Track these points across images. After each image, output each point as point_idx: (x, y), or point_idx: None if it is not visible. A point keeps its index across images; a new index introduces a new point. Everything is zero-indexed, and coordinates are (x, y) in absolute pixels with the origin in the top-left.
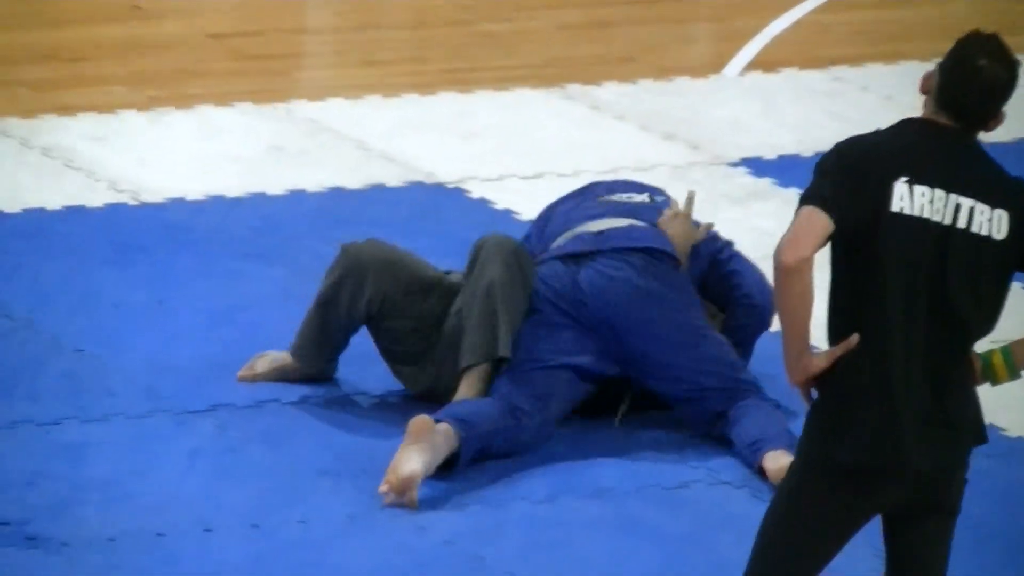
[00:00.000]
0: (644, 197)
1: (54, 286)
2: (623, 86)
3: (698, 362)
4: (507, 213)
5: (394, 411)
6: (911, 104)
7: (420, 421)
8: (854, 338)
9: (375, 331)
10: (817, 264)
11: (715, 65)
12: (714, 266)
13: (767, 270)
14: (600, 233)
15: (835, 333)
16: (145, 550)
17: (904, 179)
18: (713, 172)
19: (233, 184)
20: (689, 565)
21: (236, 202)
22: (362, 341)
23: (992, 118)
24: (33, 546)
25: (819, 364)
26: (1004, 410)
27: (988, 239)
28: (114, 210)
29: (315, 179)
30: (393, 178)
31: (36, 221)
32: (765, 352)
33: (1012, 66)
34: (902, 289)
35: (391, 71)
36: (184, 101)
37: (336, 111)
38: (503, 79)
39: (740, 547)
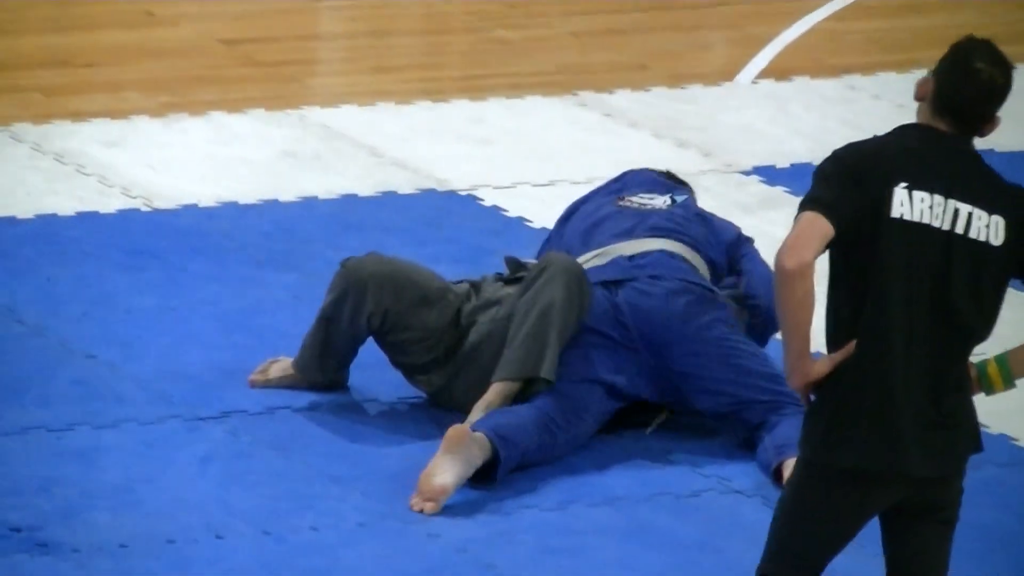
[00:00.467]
0: (665, 200)
1: (66, 291)
2: (636, 93)
3: (739, 375)
4: (519, 220)
5: (405, 418)
6: None
7: (458, 431)
8: (853, 344)
9: (381, 343)
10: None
11: (728, 73)
12: (728, 262)
13: None
14: (632, 258)
15: (835, 338)
16: (156, 556)
17: (903, 184)
18: (726, 180)
19: (245, 190)
20: (700, 573)
21: (248, 208)
22: (373, 348)
23: (988, 122)
24: (44, 552)
25: (820, 370)
26: (1016, 419)
27: (986, 244)
28: (126, 216)
29: (327, 185)
30: (405, 184)
31: (48, 226)
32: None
33: (1007, 70)
34: (904, 294)
35: (404, 78)
36: (197, 107)
37: (348, 117)
38: (516, 86)
39: (751, 555)
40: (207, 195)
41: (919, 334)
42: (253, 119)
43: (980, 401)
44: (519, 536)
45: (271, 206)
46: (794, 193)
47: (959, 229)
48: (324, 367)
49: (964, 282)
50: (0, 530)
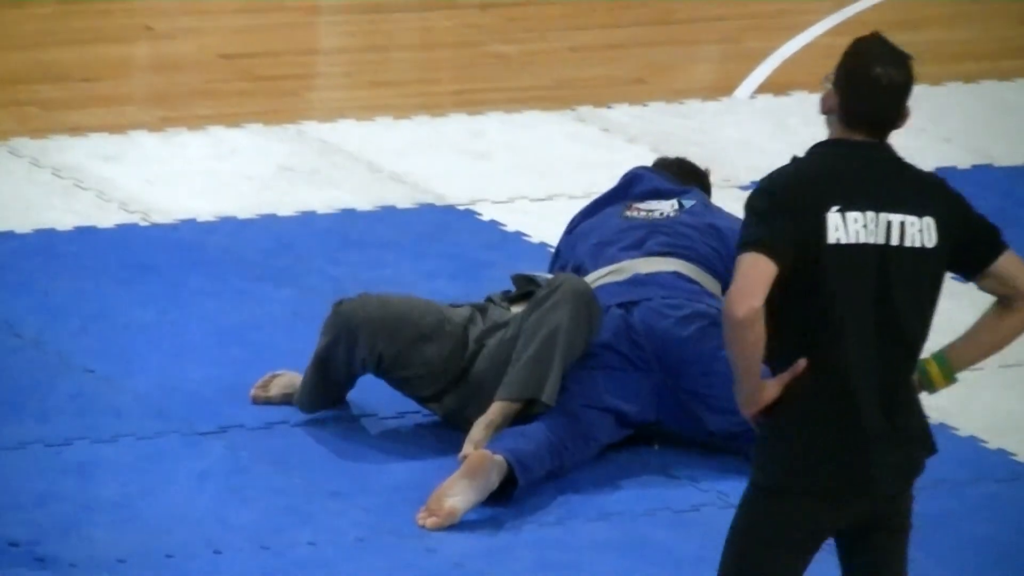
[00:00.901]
0: (672, 205)
1: (64, 305)
2: (634, 108)
3: None
4: (517, 235)
5: (404, 433)
6: (920, 126)
7: (481, 457)
8: (801, 363)
9: (384, 378)
10: None
11: (726, 87)
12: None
13: None
14: (648, 276)
15: (780, 361)
16: (154, 571)
17: (836, 208)
18: (724, 194)
19: (243, 205)
20: None
21: (246, 223)
22: None
23: (901, 119)
24: (42, 567)
25: (771, 394)
26: (1013, 435)
27: (923, 250)
28: (125, 230)
29: (325, 200)
30: (403, 199)
31: (46, 240)
32: None
33: (905, 64)
34: (851, 315)
35: (402, 92)
36: (195, 121)
37: (346, 132)
38: (514, 100)
39: None
40: (205, 210)
41: (870, 350)
42: (251, 134)
43: (977, 417)
44: (517, 551)
45: (269, 221)
46: None
47: (894, 241)
48: (324, 402)
49: (906, 293)
50: None
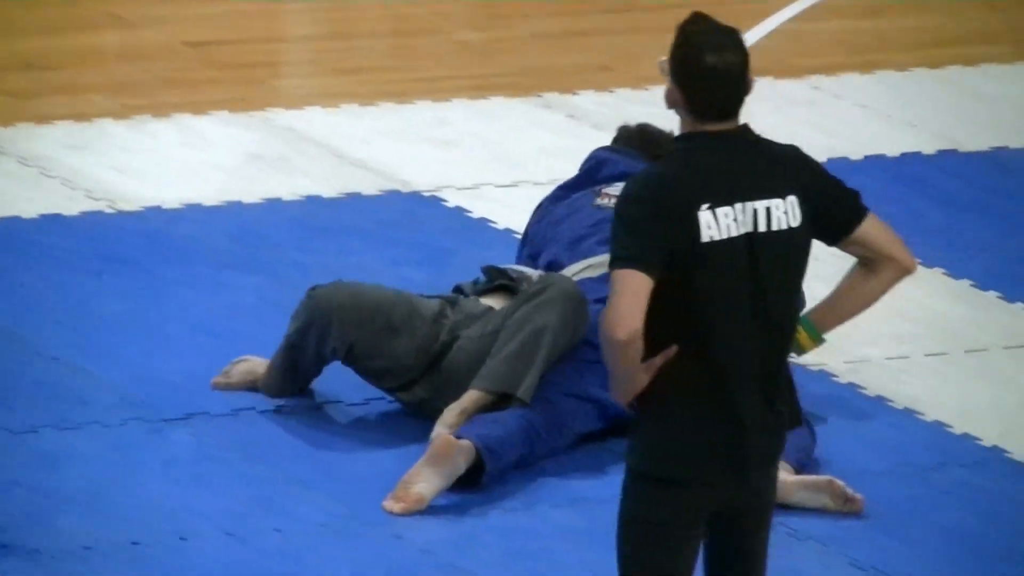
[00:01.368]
0: None
1: (30, 295)
2: (600, 95)
3: None
4: (483, 221)
5: (370, 420)
6: (886, 112)
7: (446, 443)
8: (672, 348)
9: (352, 367)
10: None
11: None
12: None
13: None
14: None
15: (653, 351)
16: (121, 559)
17: (706, 206)
18: None
19: (210, 192)
20: None
21: (213, 210)
22: None
23: (746, 94)
24: (8, 555)
25: (643, 381)
26: (980, 420)
27: (789, 230)
28: (91, 219)
29: (292, 187)
30: (369, 186)
31: (12, 229)
32: None
33: (735, 43)
34: (725, 306)
35: (368, 79)
36: (161, 110)
37: (313, 119)
38: (480, 87)
39: None
40: (172, 198)
41: (747, 339)
42: (218, 121)
43: (943, 403)
44: (484, 538)
45: (236, 208)
46: None
47: (761, 227)
48: (291, 388)
49: (777, 278)
50: None
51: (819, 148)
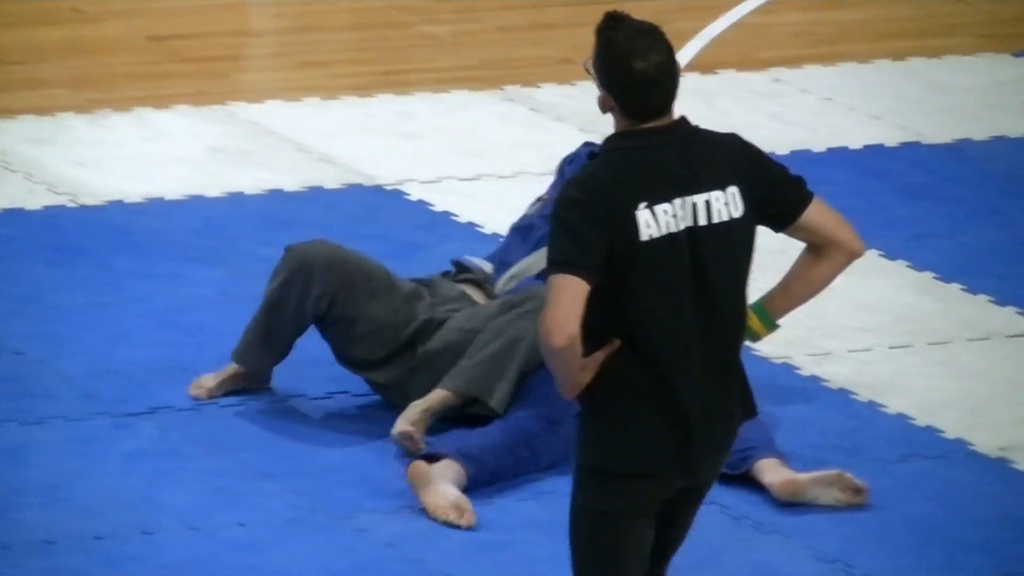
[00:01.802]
0: None
1: None
2: (563, 88)
3: None
4: (446, 215)
5: (333, 414)
6: (849, 104)
7: (416, 470)
8: (616, 342)
9: (328, 334)
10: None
11: None
12: None
13: None
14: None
15: (596, 345)
16: (84, 552)
17: (644, 204)
18: None
19: (173, 186)
20: None
21: (176, 204)
22: (302, 345)
23: (676, 88)
24: None
25: (586, 375)
26: (943, 412)
27: (731, 221)
28: (53, 212)
29: (255, 181)
30: (332, 180)
31: None
32: None
33: (659, 41)
34: (668, 301)
35: (330, 73)
36: (124, 103)
37: (276, 113)
38: (442, 81)
39: (682, 546)
40: (134, 192)
41: (693, 333)
42: (180, 115)
43: (906, 395)
44: (448, 531)
45: (199, 202)
46: None
47: (701, 220)
48: (266, 353)
49: (721, 269)
50: None
51: (782, 141)
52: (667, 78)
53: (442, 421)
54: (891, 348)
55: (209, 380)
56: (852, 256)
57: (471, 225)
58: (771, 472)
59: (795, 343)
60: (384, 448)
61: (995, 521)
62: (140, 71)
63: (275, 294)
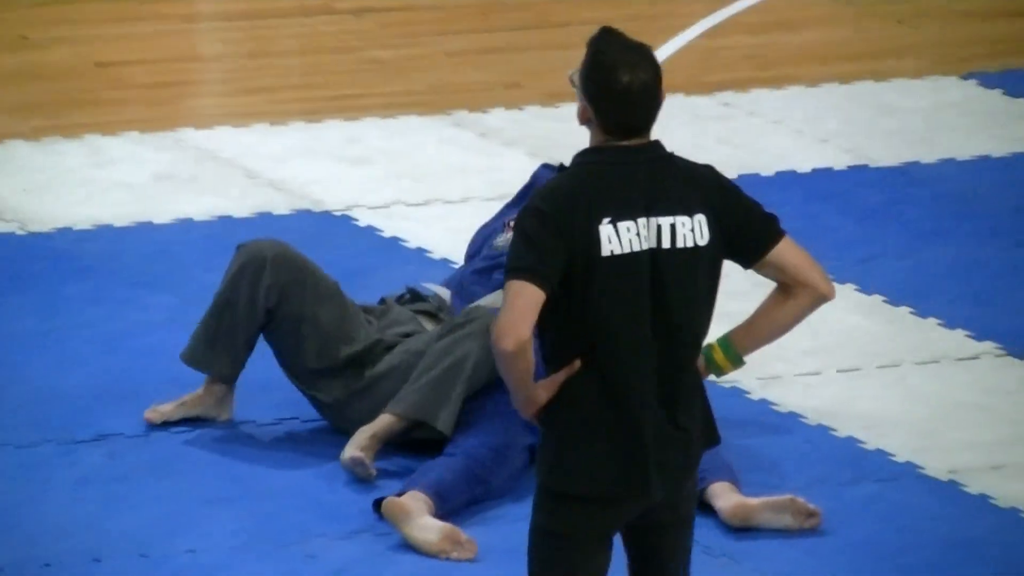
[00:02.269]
0: None
1: None
2: (511, 112)
3: None
4: (395, 240)
5: (282, 440)
6: (796, 128)
7: (392, 506)
8: (576, 363)
9: (273, 334)
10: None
11: None
12: None
13: None
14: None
15: (558, 365)
16: None
17: (607, 220)
18: None
19: (121, 213)
20: None
21: (124, 231)
22: (251, 370)
23: (658, 110)
24: None
25: (545, 395)
26: (892, 435)
27: (695, 248)
28: (1, 239)
29: (203, 207)
30: (281, 205)
31: None
32: None
33: (647, 60)
34: (624, 321)
35: (278, 98)
36: (72, 130)
37: (224, 139)
38: (390, 105)
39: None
40: (83, 218)
41: (646, 354)
42: (128, 142)
43: (856, 418)
44: (397, 556)
45: (147, 228)
46: None
47: (665, 243)
48: (217, 355)
49: (681, 293)
50: None
51: (730, 164)
52: (648, 98)
53: (390, 446)
54: (840, 371)
55: (167, 406)
56: (819, 298)
57: (421, 250)
58: (723, 497)
59: (744, 367)
60: (334, 473)
61: (945, 544)
62: (87, 97)
63: (226, 291)
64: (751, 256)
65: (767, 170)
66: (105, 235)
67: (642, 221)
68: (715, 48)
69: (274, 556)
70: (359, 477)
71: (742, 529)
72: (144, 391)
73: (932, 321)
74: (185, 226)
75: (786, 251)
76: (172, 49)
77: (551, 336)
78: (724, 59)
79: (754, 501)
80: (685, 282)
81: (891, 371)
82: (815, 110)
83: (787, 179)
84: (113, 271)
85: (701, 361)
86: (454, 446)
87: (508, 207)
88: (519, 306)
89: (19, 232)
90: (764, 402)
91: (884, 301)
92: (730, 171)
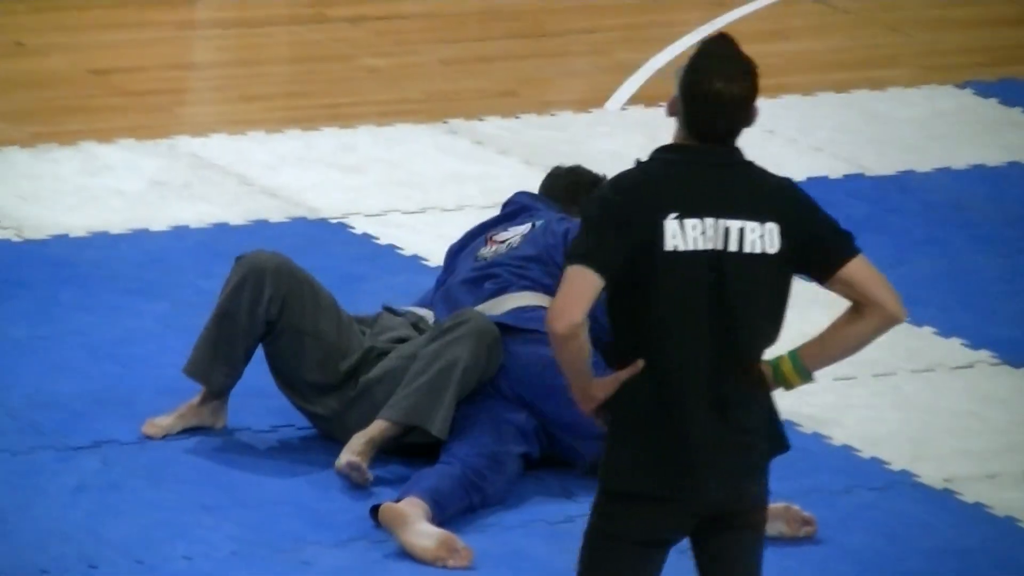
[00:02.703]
0: (526, 228)
1: None
2: (506, 120)
3: None
4: (390, 248)
5: (277, 447)
6: (790, 136)
7: (390, 511)
8: (640, 362)
9: (273, 345)
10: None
11: (597, 99)
12: None
13: None
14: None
15: (619, 361)
16: None
17: (673, 215)
18: None
19: (116, 220)
20: None
21: (119, 238)
22: (245, 378)
23: (745, 125)
24: None
25: (606, 390)
26: (886, 444)
27: (763, 256)
28: None
29: (198, 214)
30: (276, 213)
31: None
32: None
33: (748, 77)
34: (682, 320)
35: (273, 106)
36: (67, 137)
37: (218, 146)
38: (385, 113)
39: None
40: (77, 225)
41: (703, 355)
42: (123, 149)
43: (851, 426)
44: (391, 564)
45: (141, 236)
46: None
47: (732, 247)
48: (217, 367)
49: (742, 298)
50: None
51: None
52: (736, 109)
53: (384, 452)
54: (835, 379)
55: (165, 419)
56: (889, 319)
57: (416, 258)
58: None
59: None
60: (328, 481)
61: (940, 553)
62: (82, 105)
63: (226, 303)
64: (822, 271)
65: None
66: (100, 242)
67: (710, 221)
68: None
69: (269, 563)
70: (355, 483)
71: None
72: (139, 398)
73: (927, 330)
74: (180, 233)
75: (858, 270)
76: (167, 57)
77: (613, 334)
78: None
79: None
80: (748, 287)
81: (886, 379)
82: (809, 119)
83: None
84: (108, 278)
85: (768, 372)
86: (449, 454)
87: (483, 226)
88: (574, 290)
89: (14, 239)
90: None
91: None
92: None
